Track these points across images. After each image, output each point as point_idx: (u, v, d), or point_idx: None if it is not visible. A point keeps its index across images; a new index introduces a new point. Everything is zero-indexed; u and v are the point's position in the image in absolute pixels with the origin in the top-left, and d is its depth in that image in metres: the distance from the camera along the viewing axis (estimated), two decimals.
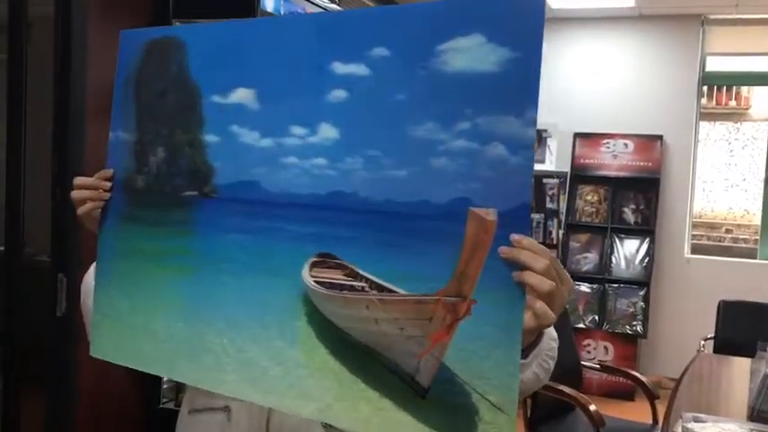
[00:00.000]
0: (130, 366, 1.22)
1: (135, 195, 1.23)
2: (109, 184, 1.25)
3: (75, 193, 1.25)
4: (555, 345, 1.08)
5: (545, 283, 0.86)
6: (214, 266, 1.12)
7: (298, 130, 1.03)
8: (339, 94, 0.99)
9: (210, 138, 1.13)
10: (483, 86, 0.88)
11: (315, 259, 0.99)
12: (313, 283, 0.99)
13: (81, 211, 1.25)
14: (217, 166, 1.13)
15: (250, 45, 1.11)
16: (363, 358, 0.95)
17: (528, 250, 0.86)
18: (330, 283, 0.98)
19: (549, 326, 0.89)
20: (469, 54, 0.88)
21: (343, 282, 0.97)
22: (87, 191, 1.25)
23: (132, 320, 1.20)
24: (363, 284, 0.95)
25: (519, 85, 0.86)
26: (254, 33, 1.13)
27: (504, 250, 0.86)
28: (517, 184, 0.86)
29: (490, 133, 0.87)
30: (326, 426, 1.14)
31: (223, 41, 1.15)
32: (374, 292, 0.94)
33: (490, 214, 0.85)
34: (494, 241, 0.86)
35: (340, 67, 0.99)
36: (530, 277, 0.86)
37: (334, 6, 3.83)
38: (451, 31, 0.90)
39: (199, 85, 1.15)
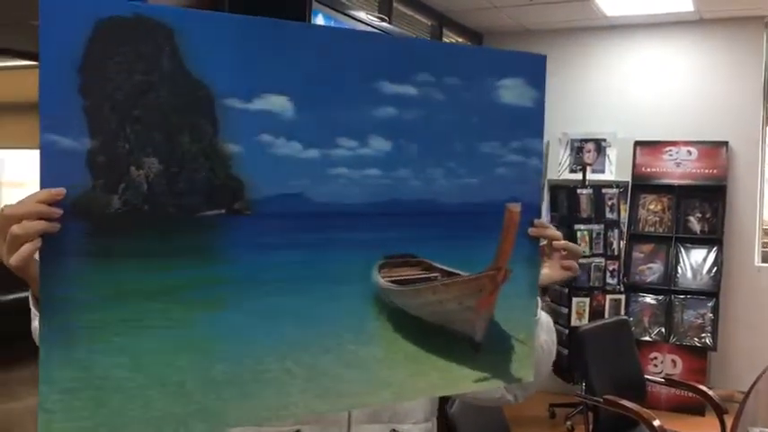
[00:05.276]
0: None
1: (106, 222, 0.93)
2: (60, 211, 0.89)
3: (19, 228, 0.87)
4: (551, 323, 1.35)
5: (572, 245, 1.27)
6: (261, 290, 1.02)
7: (348, 142, 1.07)
8: (392, 111, 1.10)
9: (234, 147, 0.99)
10: (505, 113, 1.19)
11: (382, 261, 1.10)
12: (386, 283, 1.10)
13: (26, 252, 0.88)
14: (246, 180, 1.00)
15: (285, 49, 1.02)
16: (433, 335, 1.15)
17: (548, 228, 1.22)
18: (405, 279, 1.12)
19: (576, 274, 1.29)
20: (514, 90, 1.19)
21: (417, 276, 1.14)
22: (37, 223, 0.88)
23: (135, 381, 0.95)
24: (436, 275, 1.15)
25: (538, 114, 1.21)
26: (290, 37, 1.03)
27: (533, 230, 1.20)
28: (530, 183, 1.21)
29: (508, 148, 1.19)
30: None
31: (241, 38, 1.00)
32: (446, 279, 1.15)
33: (516, 206, 1.15)
34: (519, 226, 1.16)
35: (393, 87, 1.10)
36: (561, 244, 1.24)
37: (385, 25, 3.88)
38: (502, 72, 1.18)
39: (209, 85, 0.97)
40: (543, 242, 1.24)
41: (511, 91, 1.19)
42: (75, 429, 0.92)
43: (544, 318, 1.32)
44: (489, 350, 1.18)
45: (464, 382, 1.17)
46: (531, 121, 1.21)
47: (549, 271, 1.26)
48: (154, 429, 0.96)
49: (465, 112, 1.15)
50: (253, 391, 1.01)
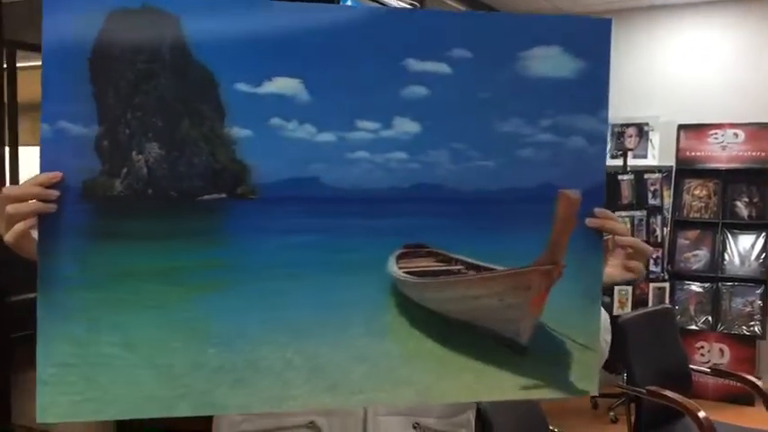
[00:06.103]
0: (125, 417, 0.96)
1: (108, 204, 0.96)
2: (56, 193, 0.94)
3: (12, 208, 0.92)
4: (607, 321, 1.20)
5: (639, 243, 1.11)
6: (262, 275, 0.99)
7: (369, 124, 1.01)
8: (420, 90, 1.03)
9: (240, 132, 0.98)
10: (560, 88, 1.04)
11: (402, 251, 1.03)
12: (403, 275, 1.03)
13: (17, 230, 0.93)
14: (252, 164, 0.98)
15: (294, 32, 0.99)
16: (462, 334, 1.05)
17: (611, 220, 1.06)
18: (424, 271, 1.03)
19: (639, 278, 1.09)
20: (549, 61, 1.03)
21: (437, 268, 1.05)
22: (30, 203, 0.93)
23: (125, 360, 0.96)
24: (459, 267, 1.05)
25: (591, 88, 1.04)
26: (297, 19, 0.99)
27: (591, 221, 1.05)
28: (593, 168, 1.06)
29: (568, 128, 1.05)
30: (416, 426, 1.17)
31: (250, 23, 0.98)
32: (472, 272, 1.05)
33: (576, 193, 1.03)
34: (579, 216, 1.04)
35: (421, 65, 1.02)
36: (626, 240, 1.09)
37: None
38: (532, 41, 1.03)
39: (214, 70, 0.97)
40: (607, 236, 1.08)
41: (565, 63, 1.04)
42: (66, 402, 0.95)
43: (603, 315, 1.17)
44: (539, 355, 1.05)
45: (508, 388, 1.06)
46: (593, 96, 1.05)
47: (611, 269, 1.12)
48: (140, 409, 0.96)
49: (508, 89, 1.03)
50: (246, 378, 0.99)
